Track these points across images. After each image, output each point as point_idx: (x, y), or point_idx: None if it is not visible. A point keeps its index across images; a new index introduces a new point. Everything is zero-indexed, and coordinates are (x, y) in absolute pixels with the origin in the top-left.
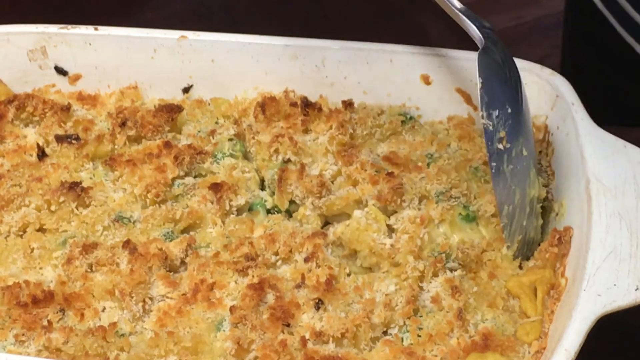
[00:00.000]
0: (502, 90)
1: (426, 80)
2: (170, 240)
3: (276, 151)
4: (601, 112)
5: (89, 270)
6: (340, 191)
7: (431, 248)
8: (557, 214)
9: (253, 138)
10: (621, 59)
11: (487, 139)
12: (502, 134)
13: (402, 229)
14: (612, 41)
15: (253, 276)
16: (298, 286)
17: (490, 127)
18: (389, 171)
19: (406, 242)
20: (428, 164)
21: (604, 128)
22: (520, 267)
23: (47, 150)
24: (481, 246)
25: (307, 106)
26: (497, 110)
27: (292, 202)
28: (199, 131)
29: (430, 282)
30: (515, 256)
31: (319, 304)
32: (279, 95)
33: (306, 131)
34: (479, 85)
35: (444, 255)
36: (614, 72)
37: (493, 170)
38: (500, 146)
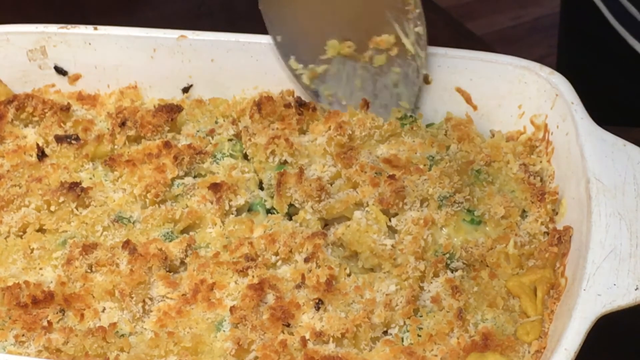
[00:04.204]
0: None
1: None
2: (170, 241)
3: (272, 153)
4: (597, 111)
5: (88, 270)
6: (340, 194)
7: (434, 249)
8: (556, 214)
9: (250, 140)
10: (618, 57)
11: None
12: None
13: (405, 231)
14: (609, 39)
15: (253, 276)
16: (298, 286)
17: None
18: (390, 174)
19: (409, 244)
20: (430, 167)
21: (603, 127)
22: (521, 267)
23: (47, 151)
24: (486, 245)
25: (301, 106)
26: None
27: (291, 204)
28: (198, 131)
29: (431, 282)
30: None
31: (319, 304)
32: (276, 95)
33: (302, 132)
34: None
35: (446, 255)
36: (611, 70)
37: None
38: None
